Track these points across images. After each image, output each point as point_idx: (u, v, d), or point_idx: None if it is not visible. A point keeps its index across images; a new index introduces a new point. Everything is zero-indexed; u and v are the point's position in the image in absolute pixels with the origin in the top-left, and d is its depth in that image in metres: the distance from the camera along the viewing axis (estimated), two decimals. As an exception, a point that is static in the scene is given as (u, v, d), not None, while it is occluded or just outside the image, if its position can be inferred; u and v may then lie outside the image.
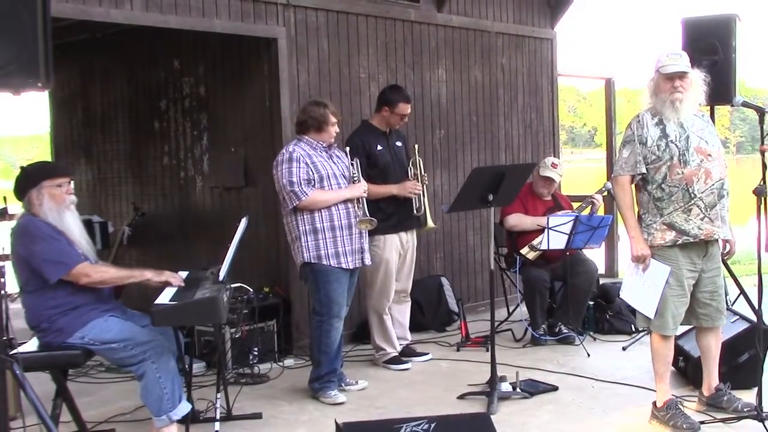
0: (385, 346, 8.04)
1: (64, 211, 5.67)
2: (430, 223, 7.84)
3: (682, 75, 5.98)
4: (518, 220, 8.73)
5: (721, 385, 6.35)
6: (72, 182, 5.86)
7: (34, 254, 5.52)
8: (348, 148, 7.31)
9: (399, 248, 7.96)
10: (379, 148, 7.81)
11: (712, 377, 6.38)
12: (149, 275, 5.85)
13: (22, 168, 5.87)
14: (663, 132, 6.02)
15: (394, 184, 7.80)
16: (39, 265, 5.51)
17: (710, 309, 6.20)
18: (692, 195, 5.95)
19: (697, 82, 6.06)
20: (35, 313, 5.67)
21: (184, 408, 5.72)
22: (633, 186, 6.21)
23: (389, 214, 7.71)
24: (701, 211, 5.96)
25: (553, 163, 9.07)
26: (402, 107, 7.86)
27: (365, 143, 7.75)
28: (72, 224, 5.72)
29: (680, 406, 6.15)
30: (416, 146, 8.05)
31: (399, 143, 8.09)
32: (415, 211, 7.85)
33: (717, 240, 6.11)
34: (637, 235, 6.17)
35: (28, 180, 5.71)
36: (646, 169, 6.09)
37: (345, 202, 6.99)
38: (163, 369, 5.61)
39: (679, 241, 6.03)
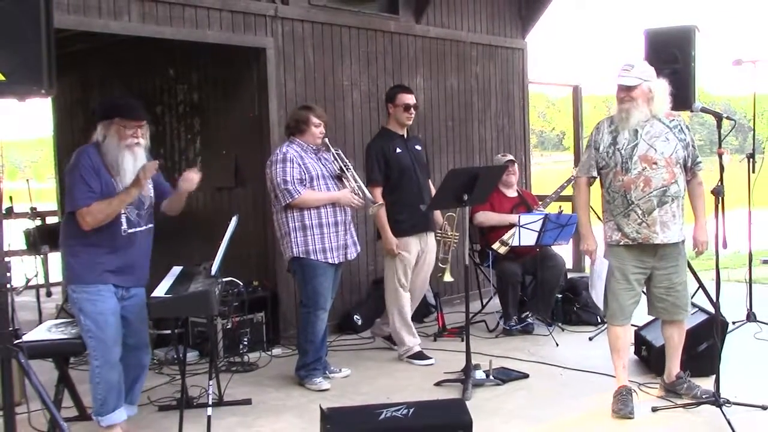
0: (409, 341, 7.84)
1: (123, 149, 5.45)
2: (447, 276, 7.83)
3: (628, 87, 5.96)
4: (485, 217, 8.80)
5: (682, 373, 6.39)
6: (144, 128, 5.62)
7: (66, 180, 5.46)
8: (338, 152, 7.22)
9: (418, 249, 7.83)
10: (398, 150, 7.69)
11: (673, 365, 6.42)
12: (133, 190, 5.45)
13: (107, 97, 5.67)
14: (613, 139, 6.06)
15: (414, 186, 7.72)
16: (66, 190, 5.49)
17: (666, 303, 6.24)
18: (630, 202, 5.99)
19: (656, 91, 5.99)
20: (62, 237, 5.62)
21: (116, 417, 5.56)
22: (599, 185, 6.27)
23: (400, 221, 7.64)
24: (638, 216, 5.99)
25: (501, 155, 9.65)
26: (401, 97, 7.74)
27: (384, 147, 7.66)
28: (128, 165, 5.46)
29: (627, 393, 6.15)
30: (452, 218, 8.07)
31: (418, 147, 7.97)
32: (440, 264, 7.90)
33: (672, 243, 6.11)
34: (586, 232, 6.30)
35: (104, 112, 5.56)
36: (601, 173, 6.16)
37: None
38: (104, 377, 5.46)
39: (622, 243, 6.09)
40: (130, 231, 5.58)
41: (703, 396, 6.11)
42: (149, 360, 6.01)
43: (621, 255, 6.14)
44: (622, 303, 6.17)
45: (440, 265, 7.96)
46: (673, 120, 6.13)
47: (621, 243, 6.10)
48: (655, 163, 5.96)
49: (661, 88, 6.06)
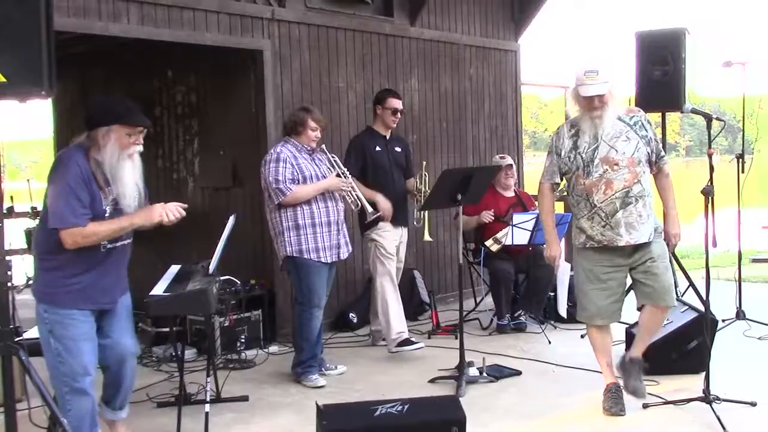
0: (399, 327, 7.84)
1: (124, 159, 4.88)
2: (426, 236, 7.89)
3: (599, 96, 5.81)
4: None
5: (638, 360, 6.24)
6: (144, 132, 5.02)
7: (49, 190, 4.83)
8: (335, 158, 7.27)
9: (395, 239, 7.96)
10: (378, 149, 7.88)
11: (636, 348, 6.32)
12: (138, 221, 4.96)
13: (101, 98, 4.98)
14: (574, 144, 5.97)
15: (389, 184, 7.86)
16: (47, 203, 4.85)
17: (647, 288, 6.04)
18: (593, 205, 5.90)
19: (617, 89, 5.92)
20: (38, 249, 5.06)
21: None
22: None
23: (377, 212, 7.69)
24: (602, 219, 5.90)
25: (500, 156, 9.60)
26: (390, 101, 7.93)
27: (364, 144, 7.86)
28: (127, 174, 4.91)
29: (617, 390, 6.12)
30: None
31: (398, 148, 8.12)
32: (416, 223, 8.06)
33: (642, 243, 5.97)
34: (551, 239, 6.33)
35: (102, 117, 4.89)
36: (565, 178, 6.13)
37: (325, 201, 7.02)
38: (75, 405, 4.96)
39: (587, 245, 6.04)
40: (109, 246, 5.04)
41: (638, 392, 6.09)
42: (134, 366, 5.50)
43: (590, 257, 6.08)
44: (597, 303, 6.10)
45: (415, 224, 8.12)
46: (634, 116, 6.03)
47: (587, 245, 6.05)
48: (617, 164, 5.85)
49: (620, 87, 6.02)
